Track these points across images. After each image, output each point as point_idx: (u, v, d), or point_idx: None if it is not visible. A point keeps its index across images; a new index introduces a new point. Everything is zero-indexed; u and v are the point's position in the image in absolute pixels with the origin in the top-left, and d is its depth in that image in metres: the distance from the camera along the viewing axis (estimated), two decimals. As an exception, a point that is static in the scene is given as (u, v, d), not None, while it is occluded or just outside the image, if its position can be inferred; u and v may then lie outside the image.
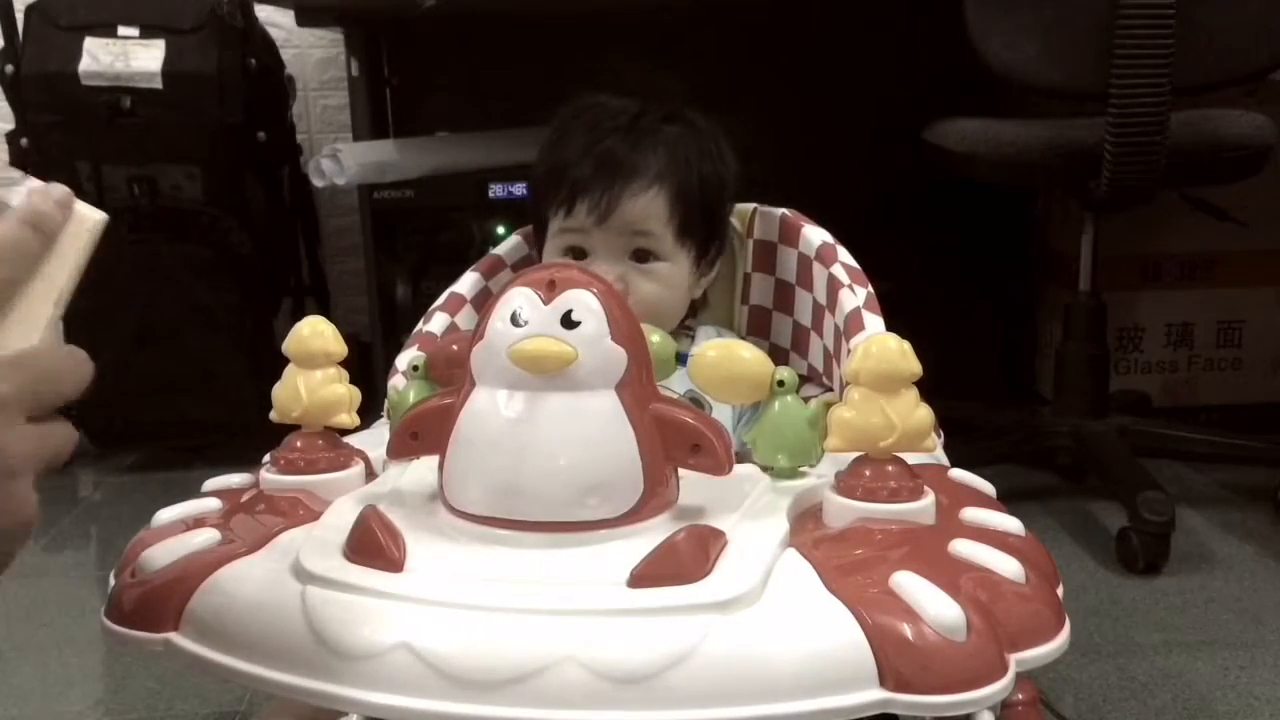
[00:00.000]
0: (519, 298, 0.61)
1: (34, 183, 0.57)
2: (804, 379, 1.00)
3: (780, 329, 1.06)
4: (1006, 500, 0.70)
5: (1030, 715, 0.86)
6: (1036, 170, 1.58)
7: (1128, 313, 2.02)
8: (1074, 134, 1.52)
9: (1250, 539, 1.54)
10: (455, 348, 0.72)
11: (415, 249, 1.86)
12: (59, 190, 0.57)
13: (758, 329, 1.08)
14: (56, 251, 0.56)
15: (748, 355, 0.66)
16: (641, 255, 0.98)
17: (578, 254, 0.99)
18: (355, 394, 0.71)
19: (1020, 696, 0.94)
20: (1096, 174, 1.48)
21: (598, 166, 0.97)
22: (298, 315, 2.26)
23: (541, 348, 0.58)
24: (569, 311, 0.60)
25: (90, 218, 0.58)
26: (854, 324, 0.89)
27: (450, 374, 0.70)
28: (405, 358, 0.85)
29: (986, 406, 1.85)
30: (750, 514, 0.62)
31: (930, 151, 1.64)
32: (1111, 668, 1.20)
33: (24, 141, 1.84)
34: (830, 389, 0.96)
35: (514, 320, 0.60)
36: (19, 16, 1.83)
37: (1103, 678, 1.18)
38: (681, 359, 0.67)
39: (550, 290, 0.61)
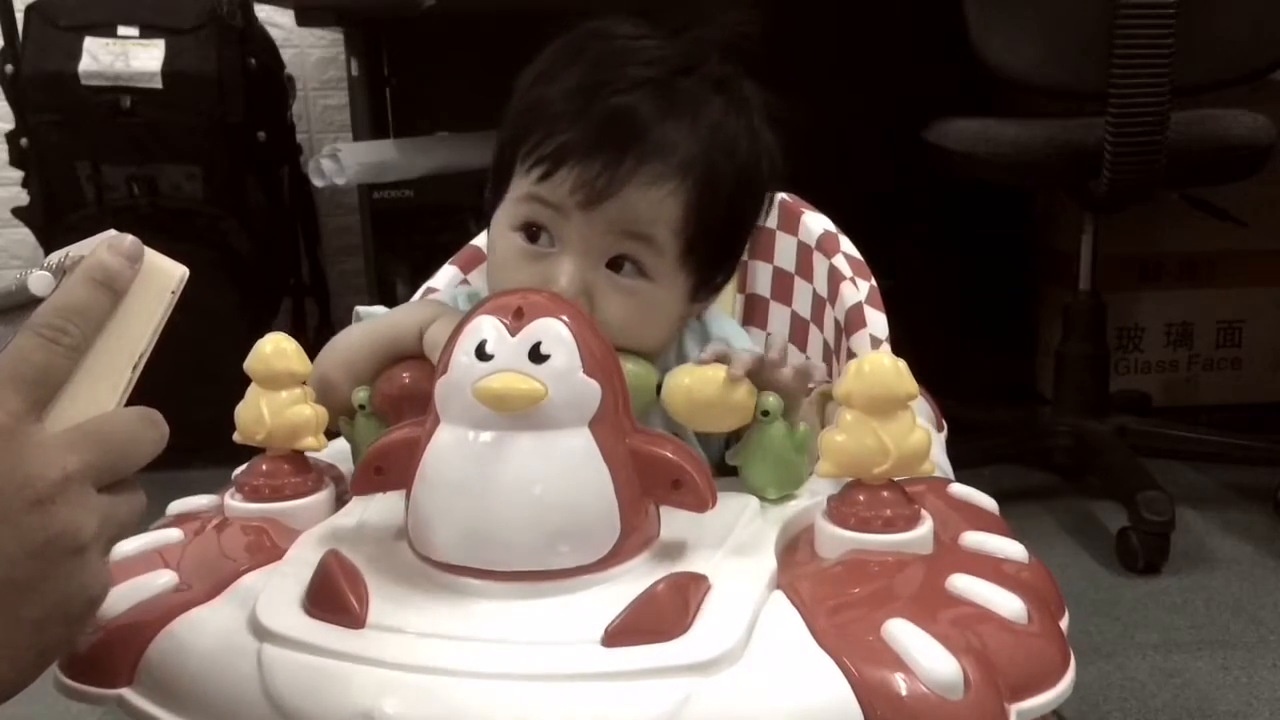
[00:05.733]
0: (485, 327, 0.57)
1: (105, 235, 0.53)
2: None
3: (778, 319, 1.03)
4: (1006, 500, 0.69)
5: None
6: (1036, 170, 1.58)
7: (1128, 313, 2.02)
8: (1074, 134, 1.51)
9: (1250, 539, 1.54)
10: (406, 378, 0.68)
11: (415, 249, 1.86)
12: (128, 242, 0.53)
13: (755, 319, 1.05)
14: (130, 309, 0.53)
15: (722, 373, 0.63)
16: (621, 264, 0.71)
17: (532, 233, 0.72)
18: (322, 415, 0.67)
19: None
20: (1096, 174, 1.48)
21: (608, 126, 0.69)
22: (298, 315, 2.27)
23: (508, 385, 0.54)
24: (538, 344, 0.56)
25: (167, 272, 0.54)
26: (855, 320, 0.87)
27: (400, 410, 0.66)
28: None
29: (986, 406, 1.85)
30: (735, 549, 0.59)
31: (930, 151, 1.64)
32: (1111, 668, 1.20)
33: (24, 141, 1.84)
34: (829, 382, 0.93)
35: (479, 353, 0.56)
36: (19, 16, 1.83)
37: (1103, 678, 1.18)
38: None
39: (518, 319, 0.56)
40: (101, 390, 0.52)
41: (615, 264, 0.71)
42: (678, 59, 0.73)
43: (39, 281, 0.52)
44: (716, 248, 0.75)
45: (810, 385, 0.71)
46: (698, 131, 0.71)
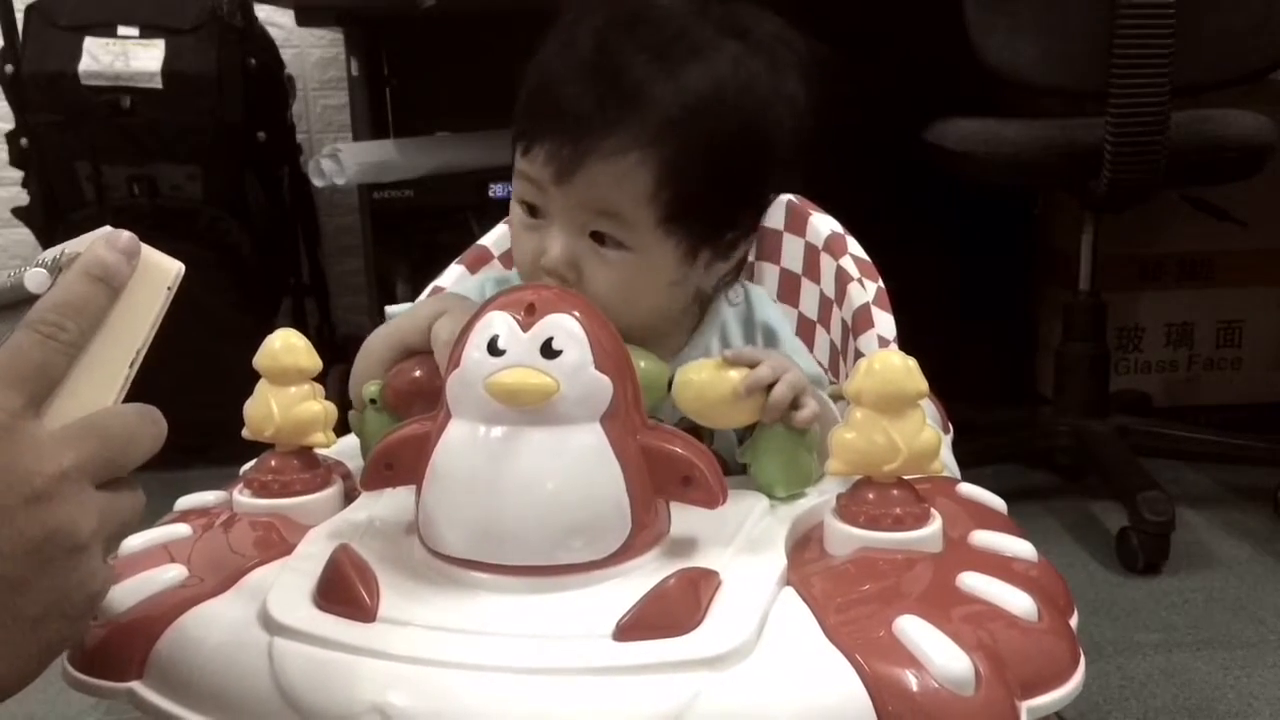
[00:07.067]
0: (497, 323, 0.57)
1: (102, 231, 0.53)
2: None
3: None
4: (1007, 500, 0.69)
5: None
6: (1036, 170, 1.58)
7: (1128, 313, 2.02)
8: (1074, 134, 1.52)
9: (1250, 539, 1.54)
10: (417, 373, 0.68)
11: (415, 249, 1.86)
12: (125, 238, 0.52)
13: None
14: (127, 305, 0.52)
15: (736, 377, 0.63)
16: (601, 237, 0.71)
17: (532, 209, 0.73)
18: (331, 411, 0.67)
19: None
20: (1096, 174, 1.48)
21: (586, 92, 0.68)
22: (298, 315, 2.27)
23: (520, 380, 0.55)
24: (550, 339, 0.56)
25: (164, 267, 0.53)
26: (862, 320, 0.87)
27: (410, 405, 0.66)
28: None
29: (986, 406, 1.85)
30: (746, 546, 0.59)
31: (930, 151, 1.64)
32: (1111, 668, 1.20)
33: (24, 141, 1.84)
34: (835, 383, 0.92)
35: (491, 348, 0.56)
36: (19, 16, 1.83)
37: (1103, 678, 1.18)
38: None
39: (529, 314, 0.56)
40: (99, 387, 0.52)
41: (597, 236, 0.71)
42: (684, 14, 0.71)
43: (35, 278, 0.52)
44: (709, 207, 0.71)
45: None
46: (684, 88, 0.68)
